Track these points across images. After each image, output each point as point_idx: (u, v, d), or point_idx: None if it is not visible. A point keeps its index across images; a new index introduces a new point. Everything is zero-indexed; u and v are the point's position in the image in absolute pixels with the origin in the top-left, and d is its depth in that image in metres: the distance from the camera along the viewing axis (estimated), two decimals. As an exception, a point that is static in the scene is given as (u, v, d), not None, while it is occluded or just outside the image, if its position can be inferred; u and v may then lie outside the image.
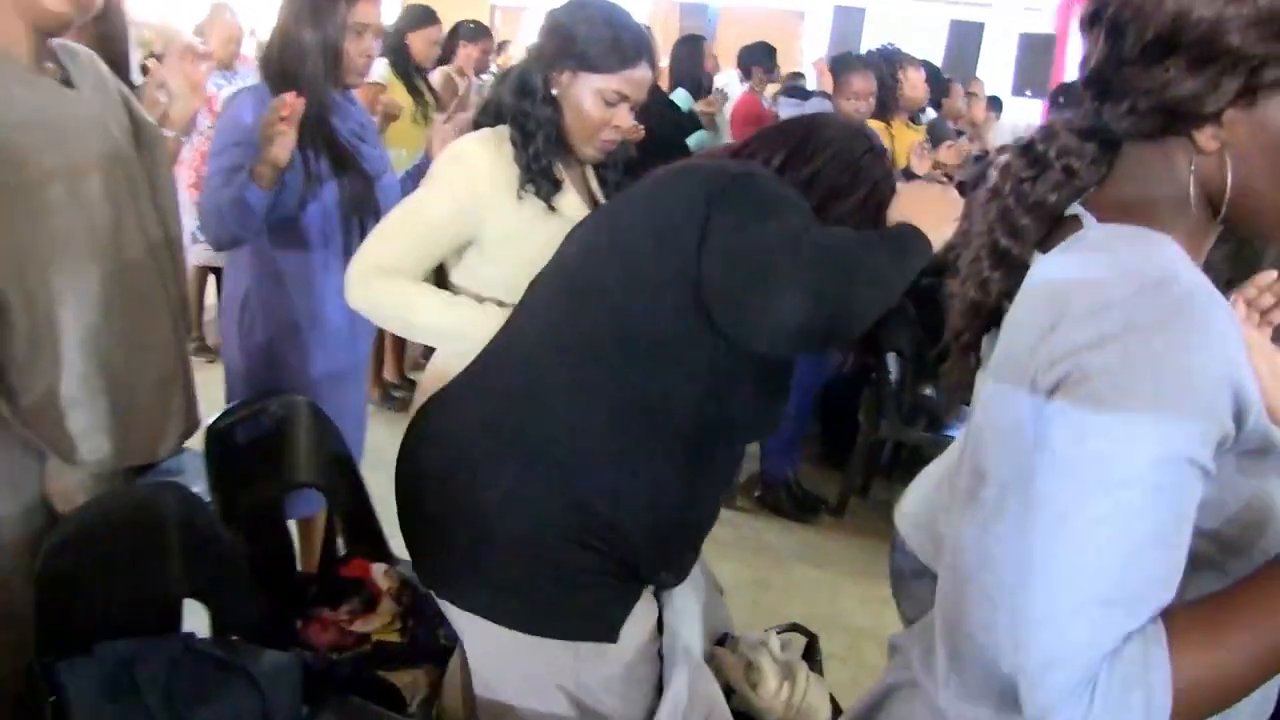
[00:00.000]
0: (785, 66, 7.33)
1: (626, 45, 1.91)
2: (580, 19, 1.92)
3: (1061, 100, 4.99)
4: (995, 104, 8.05)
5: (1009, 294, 1.06)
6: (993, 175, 1.11)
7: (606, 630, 1.67)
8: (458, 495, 1.69)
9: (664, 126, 4.63)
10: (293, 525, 2.68)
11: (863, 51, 6.97)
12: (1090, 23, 1.02)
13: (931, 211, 1.71)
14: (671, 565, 1.80)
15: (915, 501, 1.96)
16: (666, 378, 1.62)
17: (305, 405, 2.42)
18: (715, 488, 1.81)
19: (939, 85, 6.03)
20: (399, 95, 4.39)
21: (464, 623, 1.74)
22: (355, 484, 2.50)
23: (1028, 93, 9.13)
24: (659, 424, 1.63)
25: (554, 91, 1.94)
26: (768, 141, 1.79)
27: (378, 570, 2.36)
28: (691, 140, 5.17)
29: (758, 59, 6.28)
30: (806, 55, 10.51)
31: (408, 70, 4.65)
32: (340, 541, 2.50)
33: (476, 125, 2.04)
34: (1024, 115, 9.48)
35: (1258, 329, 1.38)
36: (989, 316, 1.11)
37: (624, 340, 1.62)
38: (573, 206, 1.97)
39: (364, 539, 2.49)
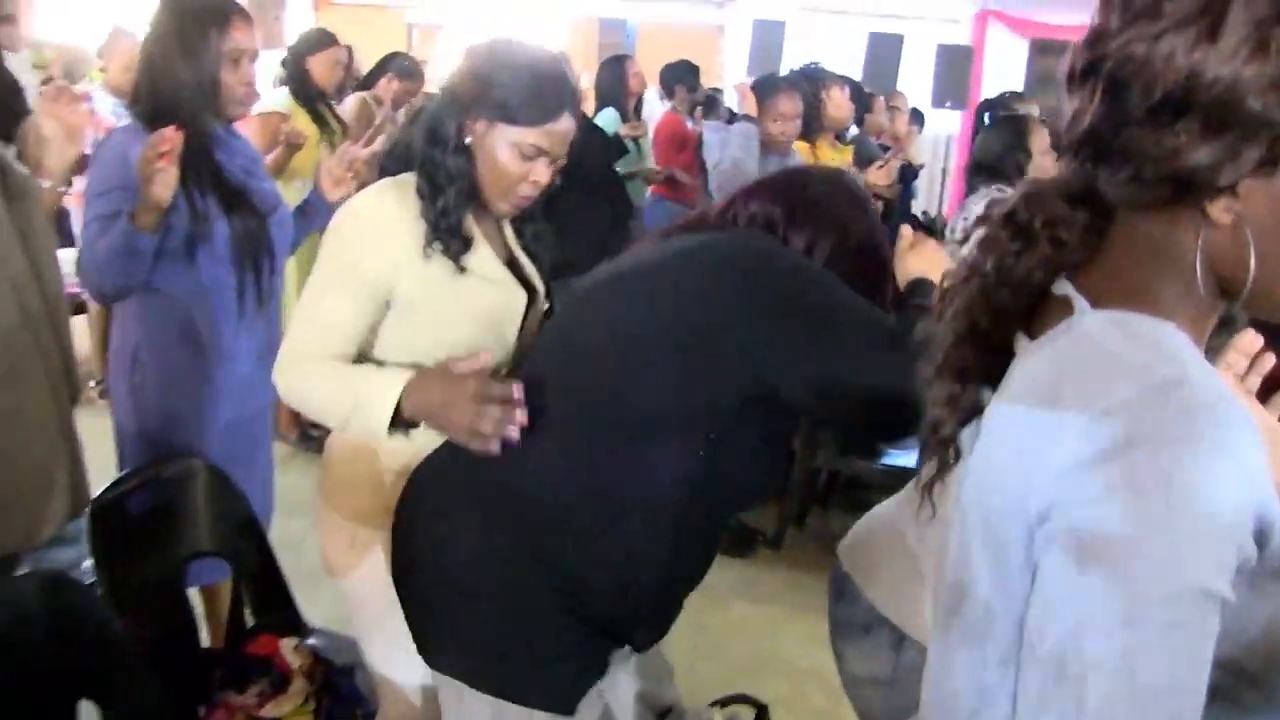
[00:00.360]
0: (705, 82, 7.25)
1: (549, 97, 1.76)
2: (500, 64, 1.76)
3: (986, 118, 4.95)
4: (917, 117, 8.04)
5: (991, 382, 0.94)
6: (969, 250, 0.97)
7: (565, 703, 1.62)
8: (435, 555, 1.67)
9: (588, 151, 4.51)
10: (198, 592, 2.52)
11: (783, 66, 6.92)
12: (1082, 77, 0.87)
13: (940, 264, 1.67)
14: (651, 626, 1.77)
15: (864, 551, 1.85)
16: (661, 456, 1.57)
17: (203, 468, 2.26)
18: (702, 554, 1.76)
19: (861, 101, 5.98)
20: (302, 124, 4.17)
21: (440, 681, 1.71)
22: (262, 548, 2.34)
23: (947, 104, 9.17)
24: (647, 500, 1.59)
25: (467, 140, 1.78)
26: (755, 197, 1.74)
27: (287, 646, 2.20)
28: (619, 165, 5.05)
29: (680, 77, 6.17)
30: (727, 70, 10.46)
31: (310, 96, 4.41)
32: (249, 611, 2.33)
33: (383, 170, 1.87)
34: (944, 126, 9.53)
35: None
36: (969, 407, 0.98)
37: (626, 425, 1.57)
38: (486, 264, 1.83)
39: (273, 608, 2.33)
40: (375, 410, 1.66)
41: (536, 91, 1.74)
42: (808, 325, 1.53)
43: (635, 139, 5.39)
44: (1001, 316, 0.94)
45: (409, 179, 1.80)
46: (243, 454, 2.49)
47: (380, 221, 1.77)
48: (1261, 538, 0.75)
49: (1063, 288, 0.91)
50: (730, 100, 6.87)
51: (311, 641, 2.25)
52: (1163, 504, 0.73)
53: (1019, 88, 8.76)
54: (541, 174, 1.79)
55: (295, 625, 2.32)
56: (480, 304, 1.83)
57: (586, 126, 4.92)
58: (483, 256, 1.82)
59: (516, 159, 1.77)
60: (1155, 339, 0.82)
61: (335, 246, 1.79)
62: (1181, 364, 0.79)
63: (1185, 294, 0.86)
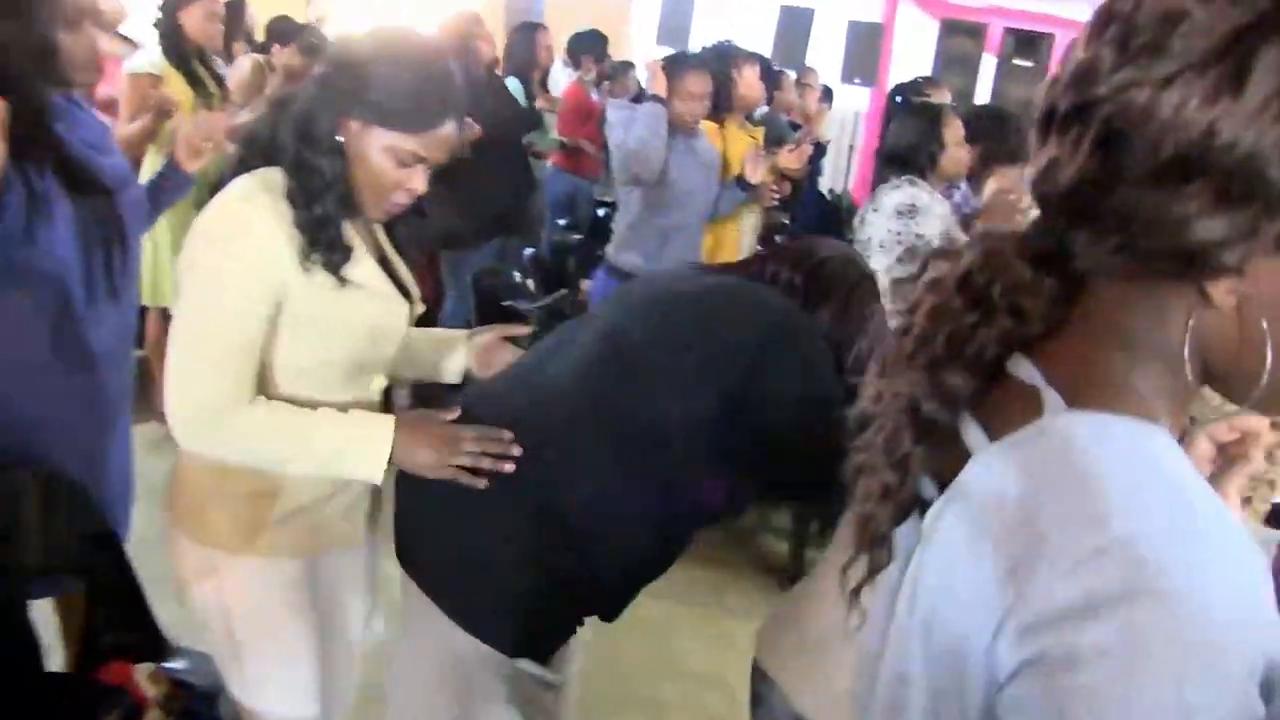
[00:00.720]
0: (613, 53, 7.06)
1: (430, 102, 1.59)
2: (379, 59, 1.58)
3: (899, 100, 4.87)
4: (826, 93, 7.97)
5: (931, 472, 0.80)
6: (918, 321, 0.81)
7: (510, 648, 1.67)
8: (455, 516, 1.69)
9: (498, 122, 4.31)
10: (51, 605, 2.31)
11: (693, 37, 6.77)
12: (1065, 121, 0.72)
13: None
14: (609, 609, 1.84)
15: (780, 635, 1.77)
16: (676, 464, 1.67)
17: (46, 474, 2.03)
18: (674, 552, 1.84)
19: (771, 78, 5.87)
20: (176, 87, 3.81)
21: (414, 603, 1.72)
22: (118, 561, 2.12)
23: (856, 80, 9.15)
24: (649, 504, 1.67)
25: (340, 139, 1.59)
26: (772, 262, 1.84)
27: (143, 672, 2.01)
28: (529, 137, 4.86)
29: (588, 47, 5.97)
30: (636, 40, 10.27)
31: (184, 55, 3.95)
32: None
33: (241, 161, 1.67)
34: (852, 102, 9.51)
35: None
36: (907, 501, 0.83)
37: (651, 431, 1.66)
38: (368, 274, 1.67)
39: (130, 626, 2.13)
40: (366, 455, 1.63)
41: (418, 95, 1.58)
42: (803, 362, 1.67)
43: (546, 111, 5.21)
44: (951, 399, 0.78)
45: (276, 179, 1.61)
46: (97, 451, 2.26)
47: (249, 229, 1.58)
48: (1268, 689, 0.63)
49: (1024, 369, 0.77)
50: (640, 74, 6.73)
51: (172, 665, 2.07)
52: (1172, 670, 0.60)
53: (928, 67, 8.77)
54: (418, 182, 1.63)
55: (155, 645, 2.12)
56: (362, 316, 1.69)
57: (500, 93, 4.72)
58: (364, 266, 1.66)
59: (391, 165, 1.60)
60: (1145, 451, 0.69)
61: (217, 265, 1.60)
62: (1181, 486, 0.66)
63: (1170, 385, 0.73)
